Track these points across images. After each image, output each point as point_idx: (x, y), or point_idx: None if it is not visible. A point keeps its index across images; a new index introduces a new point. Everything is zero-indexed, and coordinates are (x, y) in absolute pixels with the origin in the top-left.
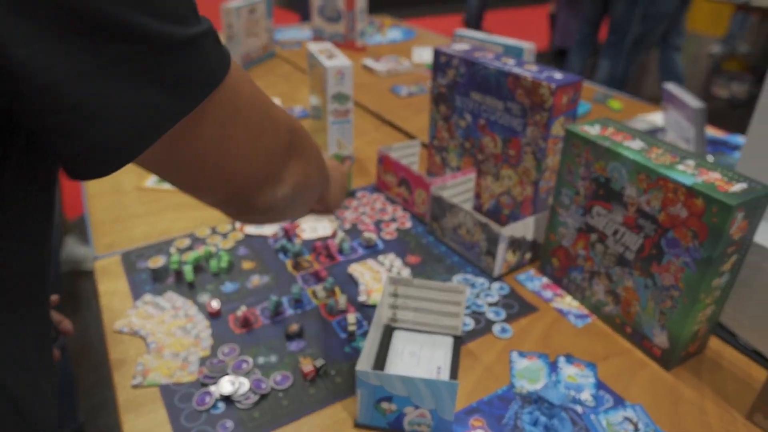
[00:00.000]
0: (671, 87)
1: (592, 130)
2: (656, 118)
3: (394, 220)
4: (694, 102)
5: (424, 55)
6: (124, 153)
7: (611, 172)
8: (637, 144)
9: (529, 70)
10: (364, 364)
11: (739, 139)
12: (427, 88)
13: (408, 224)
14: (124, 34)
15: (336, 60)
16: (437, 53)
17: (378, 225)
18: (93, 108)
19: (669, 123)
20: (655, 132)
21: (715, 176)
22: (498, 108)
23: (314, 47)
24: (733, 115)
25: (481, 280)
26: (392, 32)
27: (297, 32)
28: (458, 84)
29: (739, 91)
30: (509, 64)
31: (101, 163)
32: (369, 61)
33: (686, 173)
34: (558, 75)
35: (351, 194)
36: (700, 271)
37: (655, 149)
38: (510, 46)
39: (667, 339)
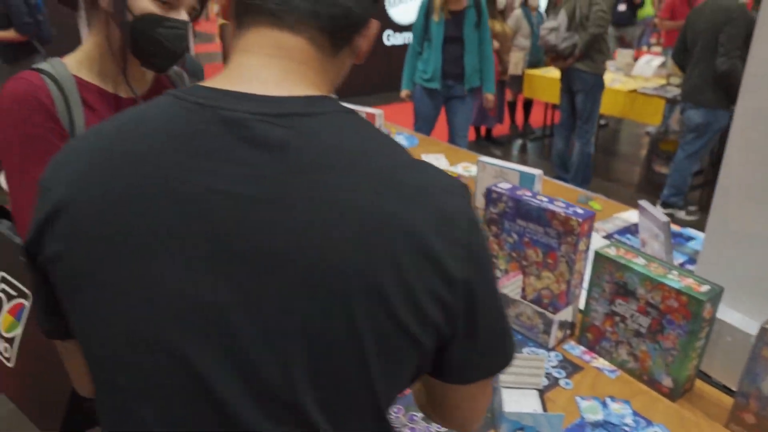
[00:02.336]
0: (644, 203)
1: (611, 252)
2: (628, 215)
3: None
4: (661, 216)
5: (441, 163)
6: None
7: (627, 278)
8: (640, 260)
9: (560, 206)
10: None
11: (690, 232)
12: None
13: None
14: None
15: None
16: (489, 191)
17: None
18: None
19: (642, 226)
20: (629, 228)
21: (690, 281)
22: (539, 231)
23: None
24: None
25: (540, 351)
26: (399, 140)
27: None
28: (506, 213)
29: None
30: (544, 201)
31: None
32: None
33: (674, 280)
34: (579, 210)
35: None
36: (688, 338)
37: (653, 264)
38: (524, 173)
39: (672, 381)
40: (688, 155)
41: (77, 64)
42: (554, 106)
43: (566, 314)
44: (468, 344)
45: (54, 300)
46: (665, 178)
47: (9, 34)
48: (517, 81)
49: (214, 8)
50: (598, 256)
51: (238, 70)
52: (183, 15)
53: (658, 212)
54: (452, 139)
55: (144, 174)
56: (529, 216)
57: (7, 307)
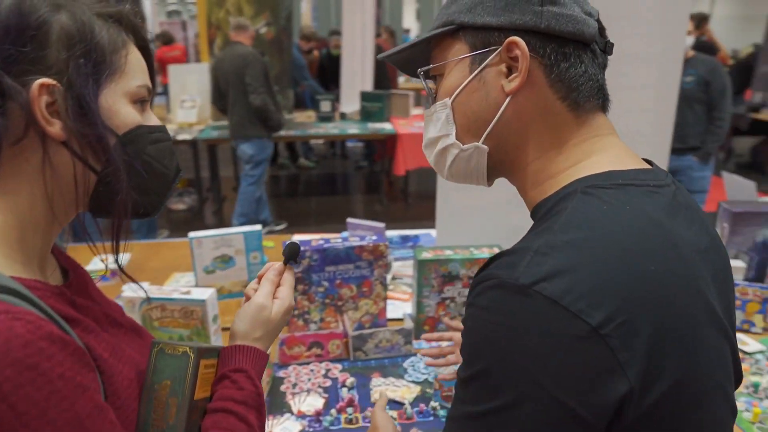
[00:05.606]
0: (352, 220)
1: (429, 255)
2: None
3: (328, 371)
4: (377, 223)
5: None
6: None
7: (450, 268)
8: (449, 252)
9: (358, 240)
10: None
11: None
12: None
13: (338, 368)
14: None
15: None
16: None
17: (334, 382)
18: None
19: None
20: None
21: (487, 249)
22: (350, 268)
23: None
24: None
25: (409, 358)
26: None
27: None
28: (313, 266)
29: (190, 201)
30: (350, 241)
31: None
32: None
33: (482, 253)
34: (374, 236)
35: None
36: None
37: (458, 250)
38: (247, 232)
39: None
40: (250, 184)
41: None
42: None
43: (409, 321)
44: None
45: None
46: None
47: None
48: None
49: None
50: (422, 263)
51: (616, 150)
52: (154, 118)
53: (372, 222)
54: None
55: (674, 256)
56: (339, 259)
57: None
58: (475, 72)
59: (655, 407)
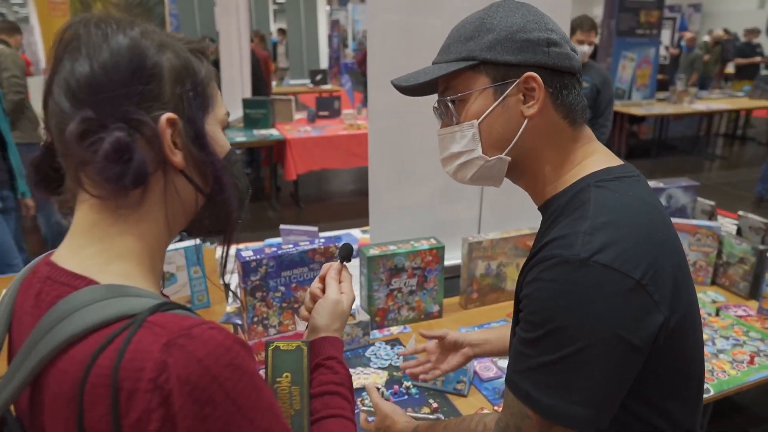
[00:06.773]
0: (285, 226)
1: (376, 251)
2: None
3: None
4: (310, 228)
5: None
6: None
7: (396, 261)
8: (393, 246)
9: (315, 244)
10: None
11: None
12: None
13: None
14: None
15: None
16: (245, 263)
17: None
18: None
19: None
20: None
21: (425, 242)
22: (305, 271)
23: None
24: None
25: (369, 348)
26: None
27: None
28: (270, 273)
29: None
30: (301, 245)
31: None
32: None
33: (422, 245)
34: (322, 239)
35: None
36: (440, 274)
37: (399, 244)
38: (187, 247)
39: (438, 306)
40: None
41: (127, 279)
42: None
43: (364, 314)
44: None
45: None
46: None
47: None
48: None
49: None
50: (370, 259)
51: (602, 152)
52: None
53: (305, 227)
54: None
55: (666, 225)
56: (293, 264)
57: None
58: (499, 100)
59: (676, 330)
